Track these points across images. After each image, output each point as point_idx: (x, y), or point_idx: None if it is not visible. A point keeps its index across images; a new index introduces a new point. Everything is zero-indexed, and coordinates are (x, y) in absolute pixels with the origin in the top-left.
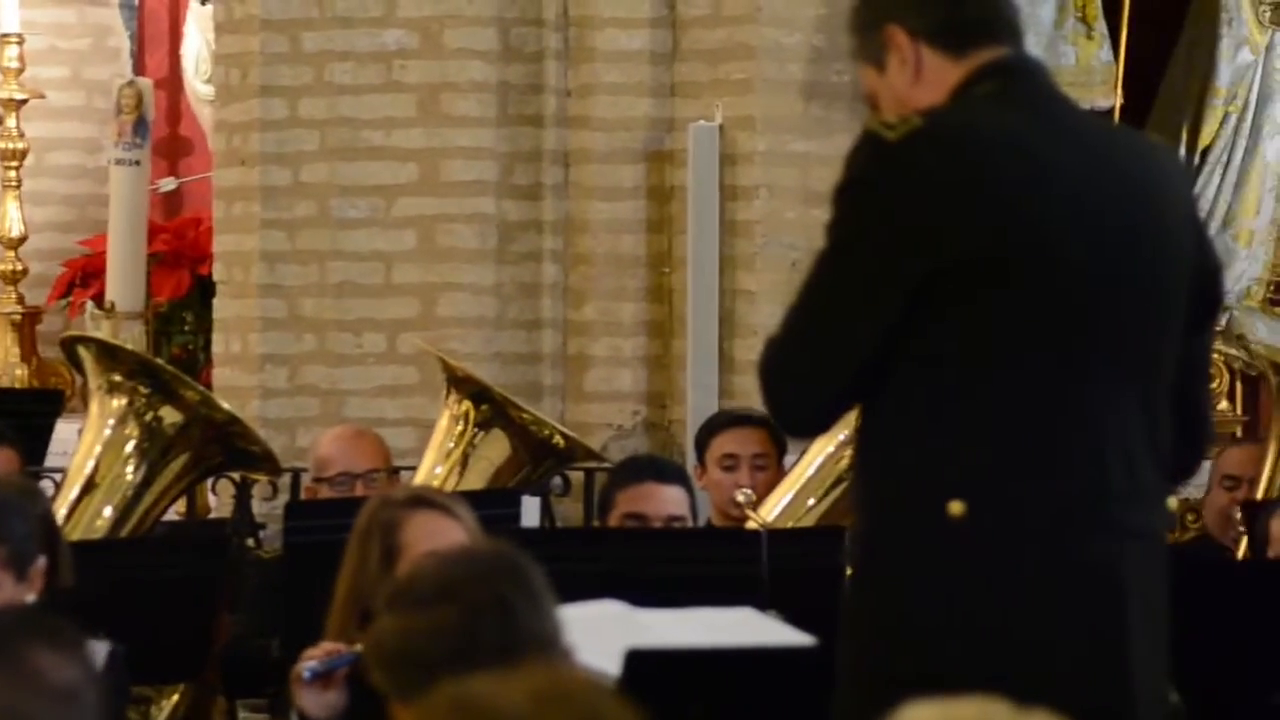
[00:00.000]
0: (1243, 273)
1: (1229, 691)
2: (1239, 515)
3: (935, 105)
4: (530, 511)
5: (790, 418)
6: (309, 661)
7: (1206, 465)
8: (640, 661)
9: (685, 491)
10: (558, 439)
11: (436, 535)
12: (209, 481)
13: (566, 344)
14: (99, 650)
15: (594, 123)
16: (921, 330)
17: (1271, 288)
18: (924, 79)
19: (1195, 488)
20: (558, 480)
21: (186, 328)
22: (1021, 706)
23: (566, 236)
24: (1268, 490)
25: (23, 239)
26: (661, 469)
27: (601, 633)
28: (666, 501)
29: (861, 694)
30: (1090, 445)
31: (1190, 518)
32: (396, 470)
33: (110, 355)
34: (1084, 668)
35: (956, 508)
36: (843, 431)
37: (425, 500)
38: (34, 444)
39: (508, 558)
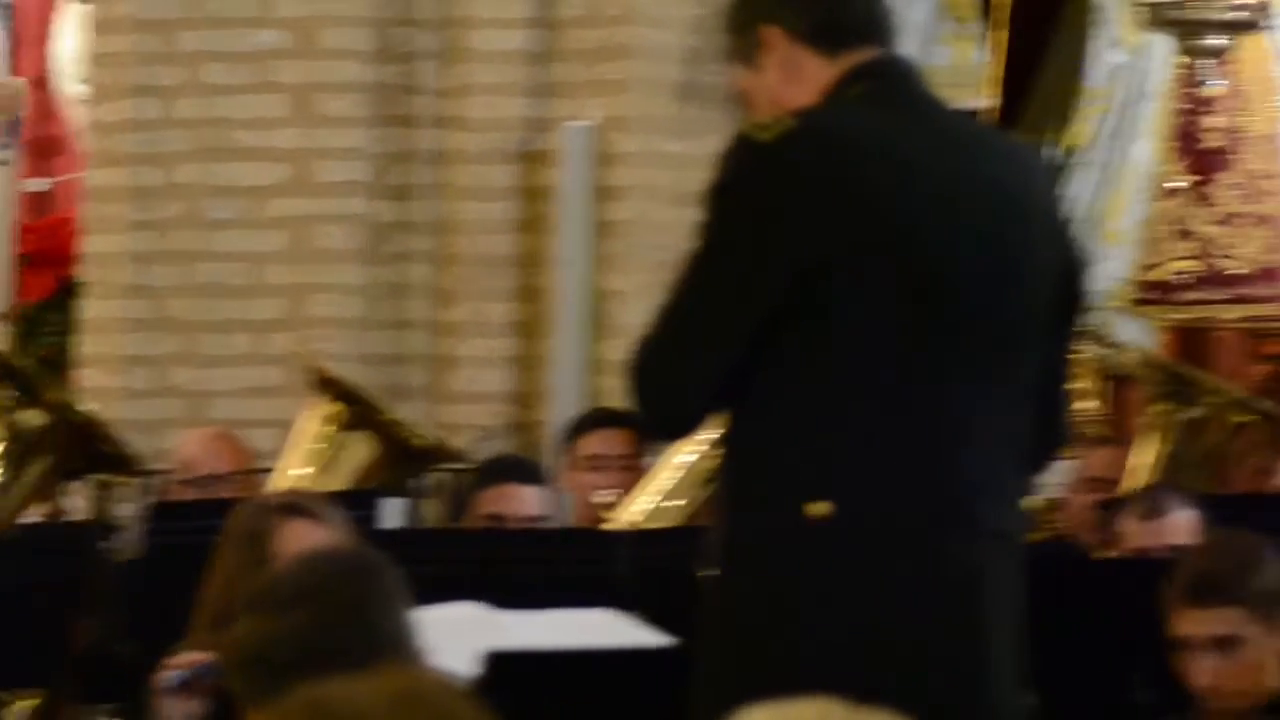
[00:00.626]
0: (1109, 273)
1: (1086, 690)
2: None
3: (808, 105)
4: (394, 513)
5: (659, 419)
6: (173, 670)
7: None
8: (500, 663)
9: (546, 492)
10: (422, 440)
11: (307, 543)
12: (69, 483)
13: (434, 345)
14: None
15: (468, 123)
16: (789, 331)
17: (1138, 288)
18: (797, 79)
19: (1061, 487)
20: (423, 482)
21: (53, 329)
22: (859, 706)
23: (438, 237)
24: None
25: None
26: (522, 469)
27: (462, 634)
28: (526, 502)
29: (718, 695)
30: (954, 445)
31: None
32: (261, 472)
33: None
34: (944, 667)
35: (821, 508)
36: (708, 432)
37: (297, 508)
38: None
39: (363, 560)
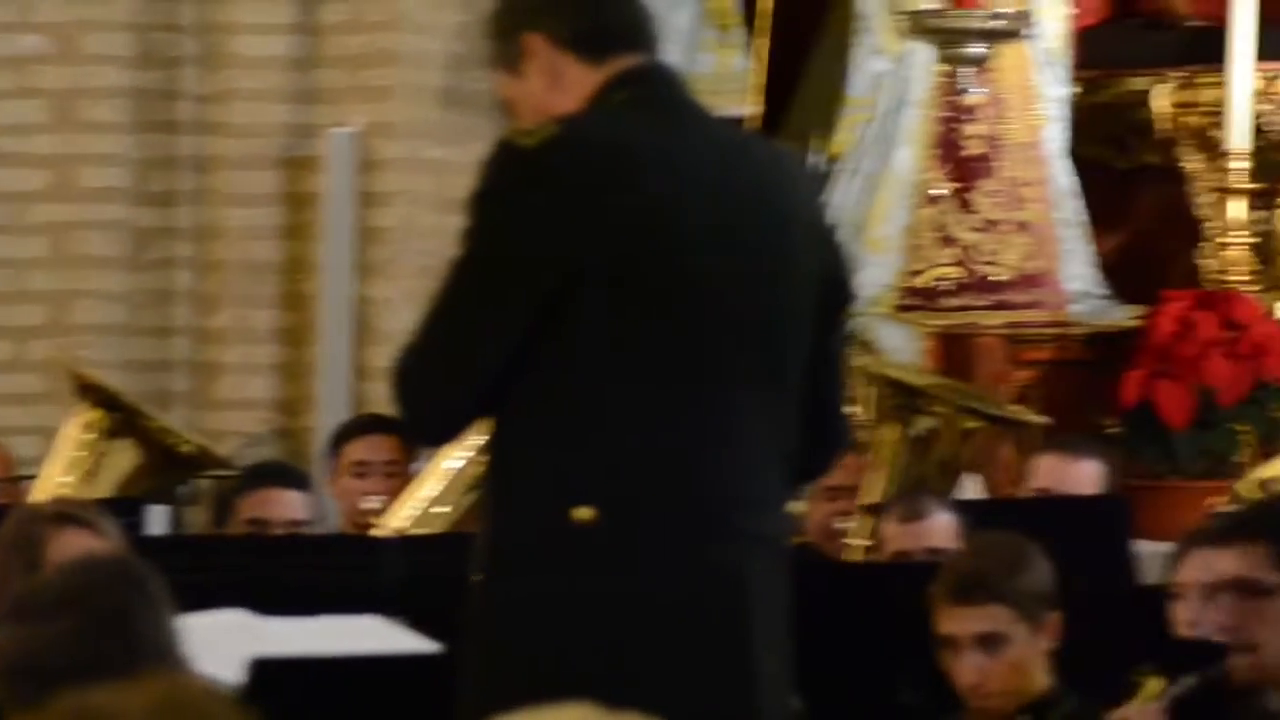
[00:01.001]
0: (873, 280)
1: (852, 693)
2: (856, 520)
3: (572, 112)
4: (159, 520)
5: (422, 425)
6: None
7: None
8: (264, 670)
9: (309, 496)
10: (187, 447)
11: (80, 551)
12: None
13: (198, 351)
14: None
15: (230, 129)
16: (552, 336)
17: (901, 294)
18: (561, 86)
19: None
20: (188, 489)
21: None
22: (621, 710)
23: (201, 243)
24: (870, 497)
25: None
26: (284, 474)
27: (226, 641)
28: (288, 506)
29: (484, 701)
30: (716, 451)
31: None
32: (24, 479)
33: None
34: (708, 672)
35: (584, 513)
36: (473, 438)
37: (71, 516)
38: None
39: (127, 567)
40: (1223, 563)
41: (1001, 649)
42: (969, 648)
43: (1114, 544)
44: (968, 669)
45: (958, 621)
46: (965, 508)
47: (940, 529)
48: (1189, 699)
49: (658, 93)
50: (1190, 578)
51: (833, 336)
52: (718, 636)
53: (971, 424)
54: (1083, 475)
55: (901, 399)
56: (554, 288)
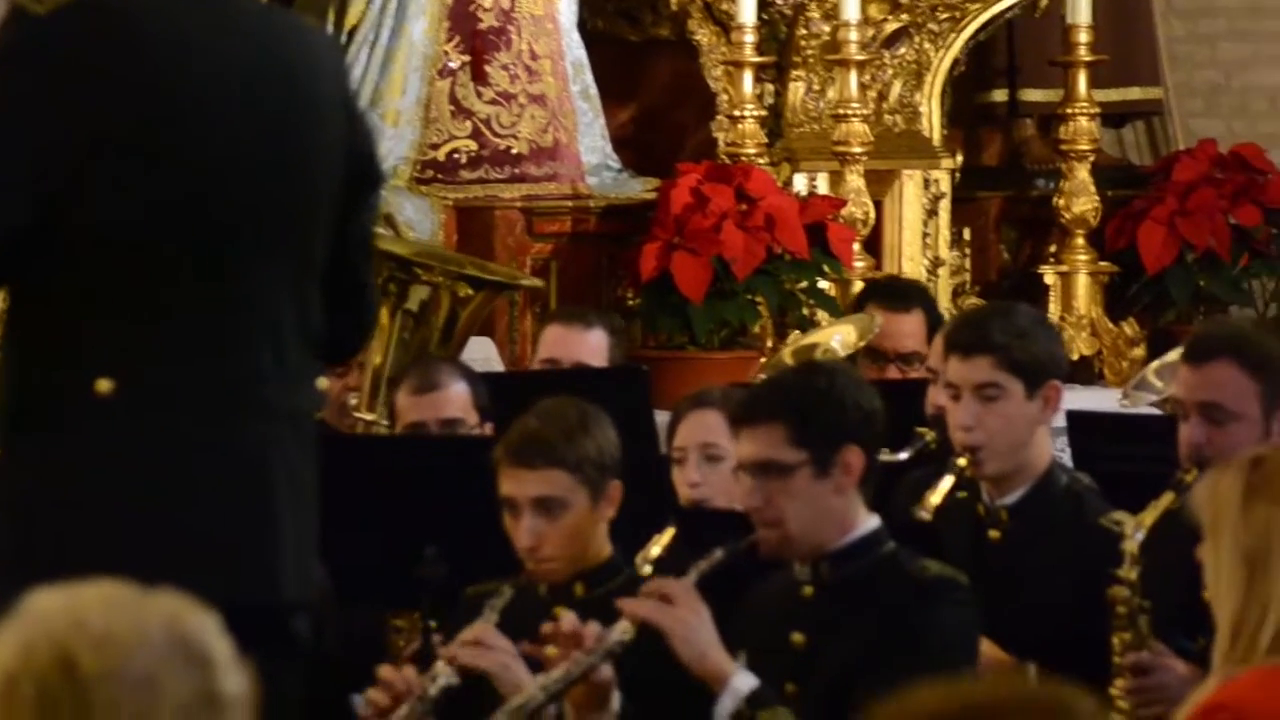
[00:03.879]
0: (390, 152)
1: (377, 565)
2: (359, 394)
3: None
4: None
5: None
6: None
7: None
8: None
9: None
10: None
11: None
12: None
13: None
14: None
15: None
16: (71, 207)
17: (418, 167)
18: None
19: None
20: None
21: None
22: (149, 588)
23: None
24: (379, 371)
25: None
26: None
27: None
28: None
29: (8, 580)
30: (239, 328)
31: None
32: None
33: None
34: (232, 548)
35: (104, 386)
36: None
37: None
38: None
39: None
40: (743, 445)
41: (560, 513)
42: (527, 510)
43: (635, 414)
44: (524, 531)
45: (516, 483)
46: (487, 380)
47: (455, 399)
48: (718, 570)
49: None
50: (687, 440)
51: (361, 216)
52: (241, 511)
53: (466, 290)
54: (589, 345)
55: (394, 270)
56: (66, 156)
